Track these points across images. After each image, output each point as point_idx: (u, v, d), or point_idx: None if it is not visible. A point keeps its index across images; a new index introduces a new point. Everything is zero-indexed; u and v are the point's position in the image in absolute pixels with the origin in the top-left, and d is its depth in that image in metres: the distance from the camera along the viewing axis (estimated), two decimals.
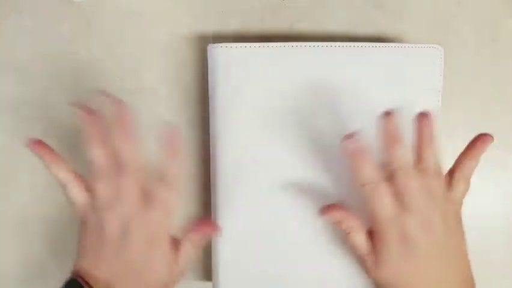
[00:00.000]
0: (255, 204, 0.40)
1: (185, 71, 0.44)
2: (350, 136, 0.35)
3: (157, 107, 0.44)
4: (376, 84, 0.40)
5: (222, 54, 0.40)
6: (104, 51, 0.44)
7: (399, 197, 0.35)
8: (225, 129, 0.40)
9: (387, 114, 0.35)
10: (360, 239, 0.36)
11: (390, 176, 0.35)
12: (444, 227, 0.35)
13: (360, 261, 0.37)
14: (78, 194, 0.36)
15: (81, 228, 0.36)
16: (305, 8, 0.44)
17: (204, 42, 0.44)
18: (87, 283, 0.33)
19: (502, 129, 0.46)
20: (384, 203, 0.35)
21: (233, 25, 0.44)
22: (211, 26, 0.44)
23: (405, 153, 0.35)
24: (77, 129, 0.44)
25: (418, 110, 0.36)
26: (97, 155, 0.35)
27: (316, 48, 0.40)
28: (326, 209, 0.37)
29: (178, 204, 0.36)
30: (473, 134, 0.44)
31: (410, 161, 0.35)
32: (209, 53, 0.40)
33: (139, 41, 0.44)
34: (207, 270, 0.45)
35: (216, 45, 0.40)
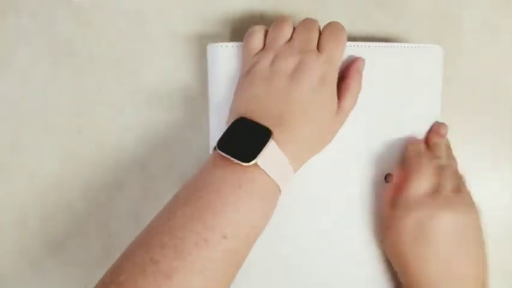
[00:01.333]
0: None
1: (185, 71, 0.44)
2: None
3: (157, 106, 0.44)
4: (375, 83, 0.40)
5: (221, 54, 0.40)
6: (104, 51, 0.44)
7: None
8: (224, 129, 0.40)
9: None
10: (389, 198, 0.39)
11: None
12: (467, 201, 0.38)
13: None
14: (257, 39, 0.38)
15: (245, 79, 0.37)
16: (305, 7, 0.44)
17: (204, 41, 0.44)
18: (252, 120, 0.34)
19: (502, 129, 0.46)
20: (420, 188, 0.37)
21: (233, 24, 0.44)
22: (211, 25, 0.44)
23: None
24: (78, 130, 0.44)
25: (418, 110, 0.37)
26: None
27: None
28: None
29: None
30: (472, 134, 0.44)
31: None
32: (208, 52, 0.40)
33: (139, 40, 0.44)
34: None
35: (215, 44, 0.40)
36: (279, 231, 0.40)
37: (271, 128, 0.34)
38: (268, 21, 0.44)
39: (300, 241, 0.40)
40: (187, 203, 0.32)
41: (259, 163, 0.33)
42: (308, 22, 0.38)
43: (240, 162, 0.32)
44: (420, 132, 0.41)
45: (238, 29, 0.44)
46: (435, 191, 0.37)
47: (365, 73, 0.40)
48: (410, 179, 0.37)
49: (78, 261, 0.44)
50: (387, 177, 0.40)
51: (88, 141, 0.44)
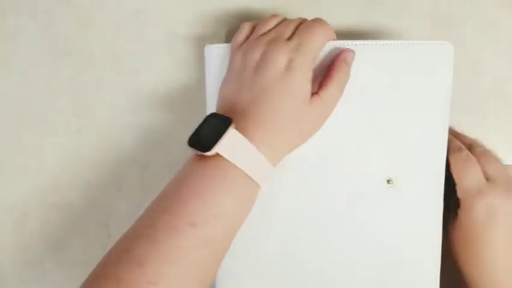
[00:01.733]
0: (255, 205, 0.39)
1: (184, 71, 0.44)
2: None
3: (156, 107, 0.44)
4: (377, 85, 0.39)
5: (218, 54, 0.40)
6: (104, 51, 0.44)
7: (485, 174, 0.39)
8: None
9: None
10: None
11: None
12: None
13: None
14: (241, 35, 0.39)
15: (225, 77, 0.38)
16: (305, 7, 0.44)
17: (203, 42, 0.44)
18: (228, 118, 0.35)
19: (502, 129, 0.45)
20: (474, 173, 0.38)
21: (232, 25, 0.44)
22: (211, 26, 0.44)
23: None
24: (78, 130, 0.44)
25: (426, 113, 0.38)
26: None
27: None
28: None
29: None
30: (473, 134, 0.44)
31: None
32: (206, 53, 0.40)
33: (139, 40, 0.44)
34: None
35: (213, 45, 0.40)
36: (274, 220, 0.40)
37: (239, 119, 0.34)
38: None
39: (295, 230, 0.40)
40: (161, 196, 0.34)
41: (219, 151, 0.33)
42: (292, 19, 0.38)
43: (203, 153, 0.33)
44: (429, 136, 0.39)
45: (237, 30, 0.44)
46: (488, 178, 0.38)
47: (367, 74, 0.39)
48: (461, 173, 0.38)
49: (78, 261, 0.44)
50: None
51: (88, 141, 0.44)
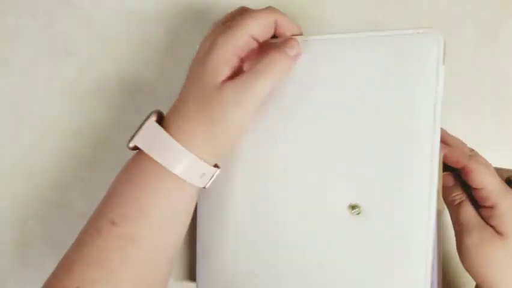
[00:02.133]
0: (244, 203, 0.37)
1: (184, 71, 0.44)
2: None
3: (157, 107, 0.44)
4: (348, 86, 0.33)
5: None
6: (104, 51, 0.44)
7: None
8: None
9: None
10: (470, 211, 0.37)
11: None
12: None
13: (476, 235, 0.37)
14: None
15: None
16: (305, 8, 0.44)
17: None
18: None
19: (502, 129, 0.45)
20: (496, 179, 0.37)
21: None
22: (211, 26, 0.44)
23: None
24: (77, 130, 0.44)
25: (406, 123, 0.31)
26: None
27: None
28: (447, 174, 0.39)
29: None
30: (473, 135, 0.44)
31: None
32: None
33: (139, 40, 0.44)
34: (191, 270, 0.45)
35: None
36: (260, 238, 0.37)
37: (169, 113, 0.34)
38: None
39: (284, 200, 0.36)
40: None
41: (137, 144, 0.33)
42: (249, 8, 0.36)
43: (127, 146, 0.33)
44: (416, 142, 0.31)
45: None
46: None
47: (342, 71, 0.33)
48: (486, 176, 0.37)
49: None
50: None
51: (88, 141, 0.44)
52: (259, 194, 0.36)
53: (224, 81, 0.33)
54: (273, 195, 0.36)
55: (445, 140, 0.40)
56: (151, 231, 0.32)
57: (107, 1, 0.44)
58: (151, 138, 0.33)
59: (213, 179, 0.35)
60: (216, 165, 0.36)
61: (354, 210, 0.32)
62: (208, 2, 0.44)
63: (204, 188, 0.35)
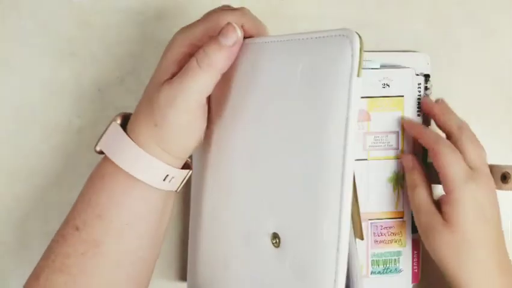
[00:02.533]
0: (207, 207, 0.36)
1: None
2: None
3: None
4: (267, 92, 0.30)
5: None
6: (104, 51, 0.44)
7: (468, 161, 0.37)
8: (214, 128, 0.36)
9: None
10: (423, 196, 0.37)
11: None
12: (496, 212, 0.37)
13: (424, 220, 0.37)
14: None
15: None
16: (304, 7, 0.44)
17: None
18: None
19: (503, 129, 0.45)
20: (460, 166, 0.36)
21: None
22: None
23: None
24: (78, 130, 0.44)
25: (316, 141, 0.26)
26: None
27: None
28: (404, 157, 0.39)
29: None
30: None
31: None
32: None
33: (139, 40, 0.44)
34: (182, 270, 0.45)
35: None
36: None
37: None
38: (269, 21, 0.44)
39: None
40: None
41: (101, 147, 0.33)
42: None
43: (95, 151, 0.33)
44: (324, 170, 0.26)
45: None
46: (472, 166, 0.37)
47: (266, 80, 0.30)
48: (446, 164, 0.36)
49: None
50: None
51: (88, 141, 0.44)
52: (216, 199, 0.35)
53: (165, 81, 0.32)
54: (221, 204, 0.34)
55: (429, 110, 0.40)
56: (113, 235, 0.32)
57: (107, 1, 0.44)
58: (113, 141, 0.32)
59: (184, 181, 0.35)
60: (187, 167, 0.35)
61: (274, 241, 0.28)
62: (208, 2, 0.44)
63: (176, 191, 0.35)
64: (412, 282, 0.42)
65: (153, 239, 0.34)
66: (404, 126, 0.40)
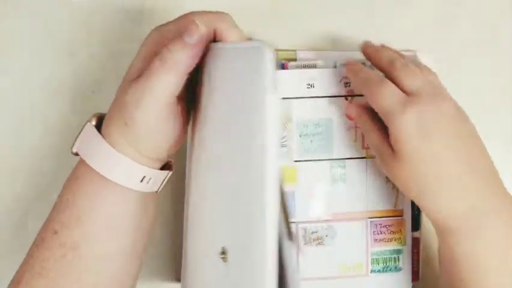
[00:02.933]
0: (188, 207, 0.34)
1: None
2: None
3: None
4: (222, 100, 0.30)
5: (221, 54, 0.39)
6: (104, 51, 0.44)
7: (405, 89, 0.34)
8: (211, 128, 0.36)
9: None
10: (373, 137, 0.36)
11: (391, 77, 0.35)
12: (457, 113, 0.36)
13: (379, 161, 0.37)
14: None
15: None
16: (305, 7, 0.44)
17: None
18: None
19: (503, 129, 0.46)
20: (392, 96, 0.34)
21: None
22: None
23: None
24: (78, 130, 0.44)
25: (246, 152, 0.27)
26: None
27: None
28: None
29: None
30: None
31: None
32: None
33: (139, 40, 0.44)
34: (179, 271, 0.45)
35: (213, 44, 0.39)
36: None
37: None
38: (269, 22, 0.44)
39: None
40: None
41: (76, 149, 0.32)
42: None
43: (71, 152, 0.33)
44: (248, 186, 0.27)
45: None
46: (409, 93, 0.34)
47: (218, 89, 0.30)
48: (377, 96, 0.35)
49: None
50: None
51: None
52: (192, 202, 0.33)
53: (133, 80, 0.31)
54: (196, 208, 0.32)
55: (365, 55, 0.39)
56: (89, 238, 0.31)
57: (107, 1, 0.44)
58: (86, 141, 0.32)
59: (164, 182, 0.34)
60: (167, 168, 0.34)
61: (222, 256, 0.28)
62: (208, 3, 0.44)
63: (157, 192, 0.34)
64: (412, 281, 0.43)
65: (134, 239, 0.33)
66: (346, 69, 0.39)
